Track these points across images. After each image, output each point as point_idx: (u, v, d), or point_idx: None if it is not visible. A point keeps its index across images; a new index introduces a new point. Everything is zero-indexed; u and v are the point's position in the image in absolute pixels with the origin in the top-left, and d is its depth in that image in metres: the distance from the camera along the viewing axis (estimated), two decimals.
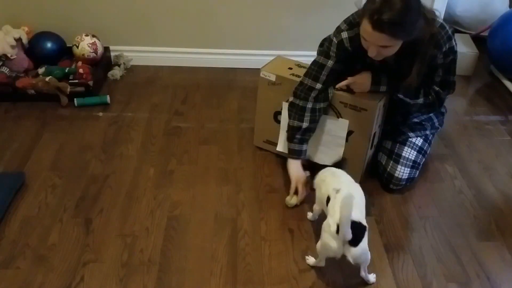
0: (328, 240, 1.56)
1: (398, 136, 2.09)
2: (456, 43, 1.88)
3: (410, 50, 1.80)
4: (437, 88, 1.94)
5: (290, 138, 2.02)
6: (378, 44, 1.71)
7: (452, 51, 1.87)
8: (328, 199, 1.66)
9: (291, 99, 2.00)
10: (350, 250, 1.53)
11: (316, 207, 1.84)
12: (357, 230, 1.52)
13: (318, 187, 1.79)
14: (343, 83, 1.95)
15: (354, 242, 1.52)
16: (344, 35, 1.87)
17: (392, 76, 1.92)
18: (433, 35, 1.78)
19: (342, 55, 1.90)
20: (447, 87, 1.96)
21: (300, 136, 1.99)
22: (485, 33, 3.13)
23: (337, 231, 1.52)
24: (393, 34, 1.67)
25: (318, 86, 1.93)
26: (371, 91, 1.94)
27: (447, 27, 1.83)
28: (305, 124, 1.97)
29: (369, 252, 1.59)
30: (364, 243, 1.55)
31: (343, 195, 1.55)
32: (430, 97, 1.95)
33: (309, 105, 1.95)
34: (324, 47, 1.94)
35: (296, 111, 1.98)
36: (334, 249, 1.55)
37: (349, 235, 1.50)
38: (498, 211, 2.02)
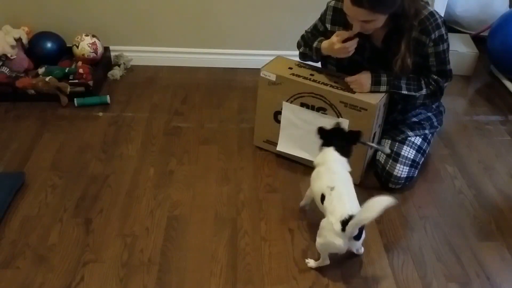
0: (332, 239, 1.57)
1: (397, 135, 2.10)
2: (446, 32, 1.91)
3: (396, 28, 1.86)
4: (435, 77, 1.98)
5: (309, 48, 2.10)
6: (359, 19, 1.78)
7: (442, 40, 1.90)
8: (323, 197, 1.66)
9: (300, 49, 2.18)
10: (355, 244, 1.60)
11: (309, 194, 1.84)
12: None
13: (313, 179, 1.77)
14: (346, 79, 1.97)
15: (359, 236, 1.58)
16: (332, 3, 2.01)
17: (382, 61, 1.95)
18: (418, 12, 1.83)
19: (323, 19, 2.07)
20: (444, 76, 2.00)
21: (307, 48, 2.11)
22: (485, 33, 3.13)
23: (342, 229, 1.53)
24: (372, 8, 1.72)
25: (305, 33, 2.17)
26: (371, 92, 1.94)
27: (437, 16, 1.88)
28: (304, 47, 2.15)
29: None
30: (363, 233, 1.62)
31: (373, 200, 1.51)
32: (431, 86, 1.98)
33: (300, 39, 2.19)
34: None
35: (298, 46, 2.19)
36: (340, 246, 1.57)
37: (356, 232, 1.55)
38: (498, 211, 2.02)
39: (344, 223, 1.53)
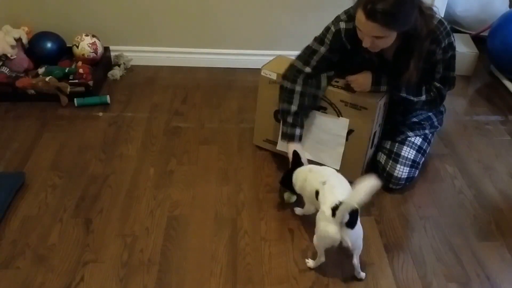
0: (325, 227, 1.58)
1: (397, 136, 2.10)
2: (454, 39, 1.89)
3: (408, 45, 1.82)
4: (438, 85, 1.96)
5: (282, 121, 2.02)
6: (372, 35, 1.73)
7: (451, 47, 1.88)
8: (317, 193, 1.68)
9: (280, 81, 2.01)
10: (347, 233, 1.56)
11: (309, 207, 1.84)
12: (352, 212, 1.53)
13: (303, 189, 1.81)
14: (345, 80, 1.95)
15: (351, 224, 1.55)
16: (342, 25, 1.89)
17: (390, 72, 1.93)
18: (430, 30, 1.80)
19: (336, 45, 1.91)
20: (448, 83, 1.98)
21: (291, 120, 1.98)
22: (485, 33, 3.13)
23: (333, 215, 1.54)
24: (386, 24, 1.68)
25: (307, 69, 1.95)
26: (372, 91, 1.94)
27: (446, 23, 1.86)
28: (293, 108, 1.96)
29: (362, 237, 1.62)
30: (359, 225, 1.59)
31: (362, 183, 1.51)
32: (431, 93, 1.97)
33: (298, 88, 1.96)
34: (320, 33, 1.96)
35: (285, 94, 1.98)
36: (332, 234, 1.56)
37: (346, 217, 1.52)
38: (498, 211, 2.02)
39: (334, 208, 1.53)
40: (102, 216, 1.88)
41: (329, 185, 1.65)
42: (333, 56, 1.95)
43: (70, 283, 1.62)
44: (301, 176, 1.82)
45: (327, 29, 1.92)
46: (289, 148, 1.99)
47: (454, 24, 3.35)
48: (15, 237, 1.78)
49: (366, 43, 1.77)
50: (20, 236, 1.79)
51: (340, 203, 1.53)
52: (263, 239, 1.82)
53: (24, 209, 1.90)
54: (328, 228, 1.57)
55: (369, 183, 1.48)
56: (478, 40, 3.17)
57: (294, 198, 1.95)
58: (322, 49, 1.93)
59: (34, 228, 1.82)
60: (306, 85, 1.96)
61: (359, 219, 1.58)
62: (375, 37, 1.74)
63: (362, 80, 1.93)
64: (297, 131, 1.98)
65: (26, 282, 1.62)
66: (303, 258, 1.74)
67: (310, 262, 1.71)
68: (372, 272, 1.71)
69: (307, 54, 1.96)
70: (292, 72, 1.97)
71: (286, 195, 1.96)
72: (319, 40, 1.95)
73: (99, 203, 1.94)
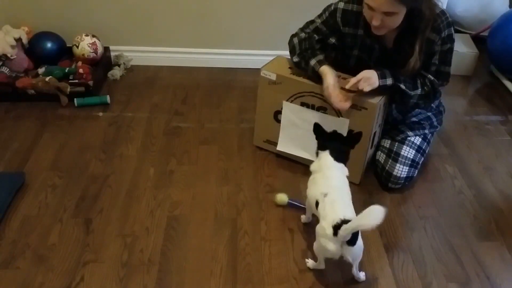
0: (325, 244, 1.55)
1: (397, 135, 2.10)
2: (454, 32, 1.91)
3: (410, 30, 1.84)
4: (432, 78, 1.96)
5: (302, 70, 2.03)
6: (382, 10, 1.75)
7: (450, 39, 1.90)
8: (317, 204, 1.64)
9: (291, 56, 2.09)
10: (349, 250, 1.54)
11: (307, 204, 1.82)
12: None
13: (309, 187, 1.76)
14: (351, 82, 1.89)
15: (352, 241, 1.53)
16: (340, 5, 1.96)
17: (391, 63, 1.93)
18: (434, 14, 1.83)
19: (330, 22, 1.99)
20: (442, 77, 1.98)
21: (303, 62, 2.01)
22: (485, 33, 3.13)
23: (334, 233, 1.51)
24: None
25: (302, 35, 2.04)
26: (380, 86, 1.90)
27: (447, 15, 1.89)
28: (296, 57, 2.04)
29: (362, 248, 1.60)
30: (360, 240, 1.57)
31: (371, 207, 1.47)
32: (425, 87, 1.97)
33: (295, 41, 2.05)
34: (323, 9, 2.04)
35: (290, 50, 2.07)
36: (332, 251, 1.55)
37: (348, 236, 1.50)
38: (498, 211, 2.02)
39: (336, 227, 1.50)
40: (102, 216, 1.88)
41: (330, 199, 1.60)
42: (327, 32, 2.01)
43: (70, 283, 1.62)
44: (317, 166, 1.74)
45: (328, 6, 2.00)
46: (322, 74, 1.95)
47: (454, 24, 3.35)
48: (15, 237, 1.78)
49: (376, 21, 1.79)
50: (20, 236, 1.79)
51: (342, 221, 1.49)
52: (263, 239, 1.82)
53: (24, 209, 1.90)
54: (328, 246, 1.55)
55: (381, 213, 1.43)
56: (478, 40, 3.17)
57: (285, 201, 1.94)
58: (318, 21, 2.03)
59: (34, 228, 1.82)
60: (302, 41, 2.04)
61: (359, 234, 1.56)
62: (385, 13, 1.75)
63: (369, 75, 1.88)
64: (313, 61, 1.98)
65: (26, 282, 1.62)
66: (303, 258, 1.74)
67: (310, 262, 1.71)
68: (372, 272, 1.71)
69: (307, 23, 2.07)
70: (292, 37, 2.08)
71: (279, 197, 1.95)
72: (319, 14, 2.04)
73: (99, 203, 1.94)
